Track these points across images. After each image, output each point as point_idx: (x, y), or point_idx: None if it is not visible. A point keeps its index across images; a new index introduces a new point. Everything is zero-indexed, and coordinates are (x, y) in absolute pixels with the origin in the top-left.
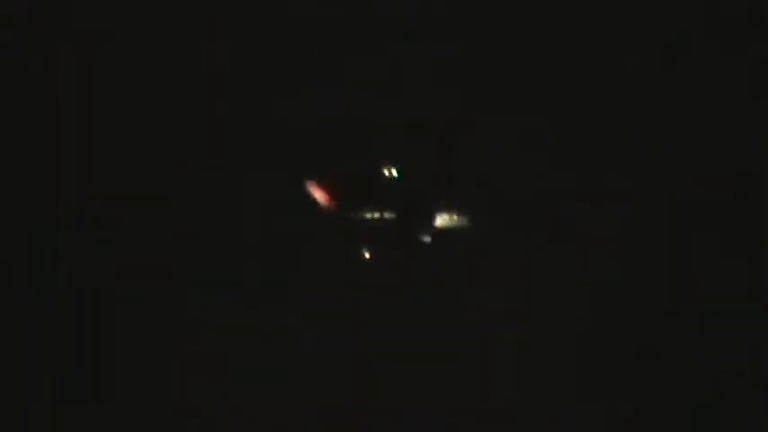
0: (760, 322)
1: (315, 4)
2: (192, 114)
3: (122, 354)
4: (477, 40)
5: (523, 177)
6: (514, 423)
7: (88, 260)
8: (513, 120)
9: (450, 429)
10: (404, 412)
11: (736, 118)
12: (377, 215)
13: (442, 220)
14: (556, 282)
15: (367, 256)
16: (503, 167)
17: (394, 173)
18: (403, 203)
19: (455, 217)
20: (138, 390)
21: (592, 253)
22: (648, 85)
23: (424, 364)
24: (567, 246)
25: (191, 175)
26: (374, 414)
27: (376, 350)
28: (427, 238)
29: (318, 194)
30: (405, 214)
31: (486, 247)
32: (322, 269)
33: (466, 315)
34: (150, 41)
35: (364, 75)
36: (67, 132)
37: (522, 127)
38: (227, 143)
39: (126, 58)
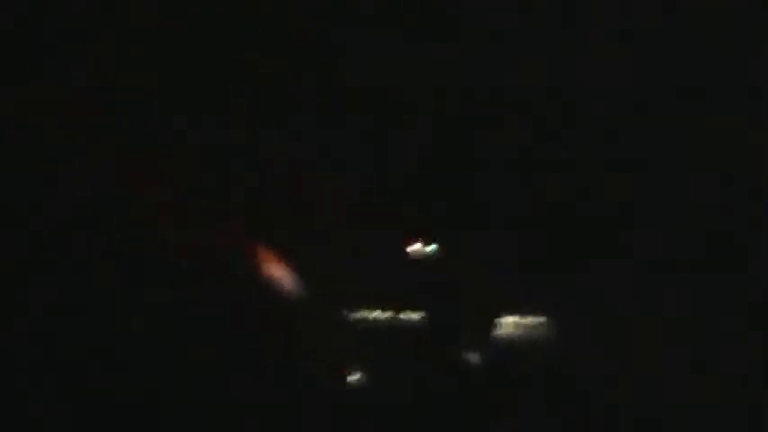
0: None
1: None
2: None
3: None
4: None
5: None
6: None
7: None
8: None
9: None
10: None
11: None
12: (385, 314)
13: (506, 327)
14: None
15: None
16: None
17: (426, 249)
18: (440, 300)
19: (533, 327)
20: None
21: None
22: None
23: None
24: None
25: None
26: None
27: None
28: (475, 359)
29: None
30: (443, 318)
31: None
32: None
33: None
34: None
35: None
36: None
37: None
38: None
39: None
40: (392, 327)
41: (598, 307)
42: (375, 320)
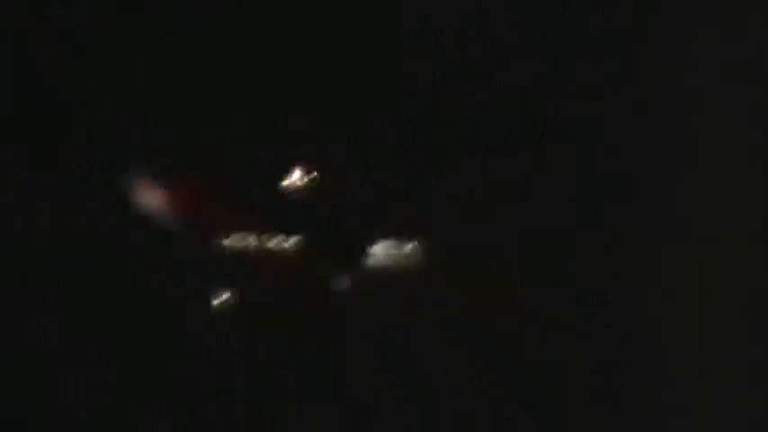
0: None
1: None
2: None
3: None
4: None
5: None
6: None
7: None
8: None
9: None
10: None
11: None
12: (264, 239)
13: (378, 254)
14: None
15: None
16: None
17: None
18: (312, 224)
19: (400, 250)
20: None
21: None
22: None
23: None
24: None
25: None
26: None
27: None
28: (344, 283)
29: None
30: (314, 241)
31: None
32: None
33: None
34: None
35: None
36: None
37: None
38: None
39: None
40: (263, 252)
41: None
42: (247, 246)
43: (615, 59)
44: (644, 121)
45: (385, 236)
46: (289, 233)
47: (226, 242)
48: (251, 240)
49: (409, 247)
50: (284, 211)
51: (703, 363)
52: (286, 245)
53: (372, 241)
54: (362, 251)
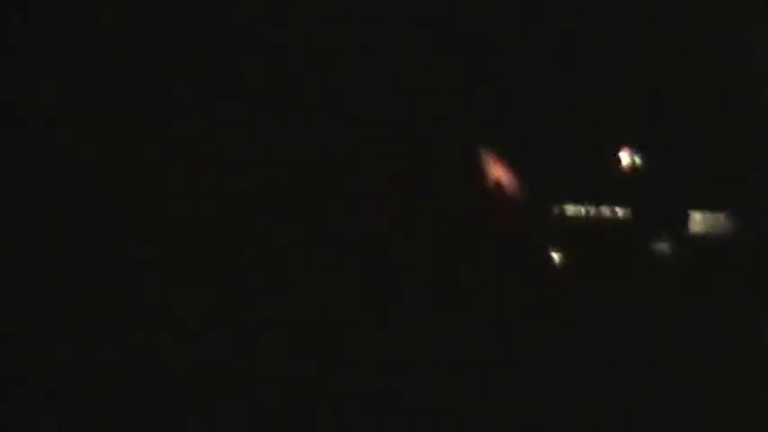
0: None
1: None
2: None
3: None
4: None
5: None
6: None
7: None
8: None
9: None
10: None
11: None
12: (595, 209)
13: (697, 223)
14: None
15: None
16: None
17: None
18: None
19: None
20: None
21: None
22: None
23: None
24: None
25: None
26: None
27: None
28: (666, 246)
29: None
30: (641, 211)
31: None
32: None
33: None
34: None
35: None
36: None
37: None
38: None
39: None
40: (594, 219)
41: None
42: (579, 214)
43: None
44: None
45: (700, 208)
46: (618, 205)
47: (562, 209)
48: (586, 209)
49: (721, 218)
50: (616, 185)
51: None
52: (617, 214)
53: (690, 212)
54: (684, 220)
